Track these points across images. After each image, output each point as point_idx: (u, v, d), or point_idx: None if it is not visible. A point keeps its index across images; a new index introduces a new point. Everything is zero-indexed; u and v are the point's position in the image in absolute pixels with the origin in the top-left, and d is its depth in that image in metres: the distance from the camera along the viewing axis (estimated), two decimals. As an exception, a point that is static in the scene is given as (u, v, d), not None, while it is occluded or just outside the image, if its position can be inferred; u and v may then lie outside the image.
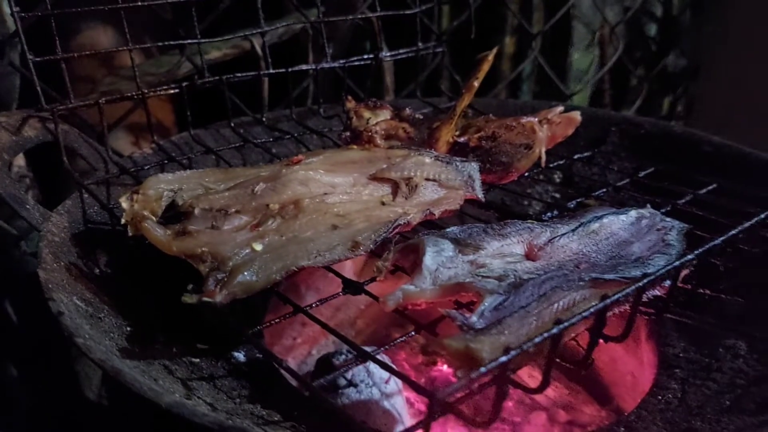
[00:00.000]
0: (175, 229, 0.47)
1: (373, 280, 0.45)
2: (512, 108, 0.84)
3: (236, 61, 0.92)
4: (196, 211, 0.49)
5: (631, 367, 0.63)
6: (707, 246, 0.42)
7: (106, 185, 0.58)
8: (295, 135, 0.70)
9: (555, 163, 0.68)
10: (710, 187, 0.61)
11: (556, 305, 0.38)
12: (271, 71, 0.72)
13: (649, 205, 0.54)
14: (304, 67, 0.74)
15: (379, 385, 0.65)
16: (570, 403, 0.72)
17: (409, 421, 0.62)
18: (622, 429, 0.46)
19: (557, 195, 0.73)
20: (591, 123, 0.79)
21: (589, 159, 0.72)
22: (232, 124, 0.71)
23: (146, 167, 0.61)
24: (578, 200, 0.59)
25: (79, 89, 1.00)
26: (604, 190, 0.61)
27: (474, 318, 0.37)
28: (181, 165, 0.62)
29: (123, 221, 0.47)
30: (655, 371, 0.53)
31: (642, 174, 0.64)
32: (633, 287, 0.36)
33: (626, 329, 0.38)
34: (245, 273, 0.42)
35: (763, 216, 0.47)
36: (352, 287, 0.45)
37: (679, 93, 1.40)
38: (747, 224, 0.45)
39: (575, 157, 0.69)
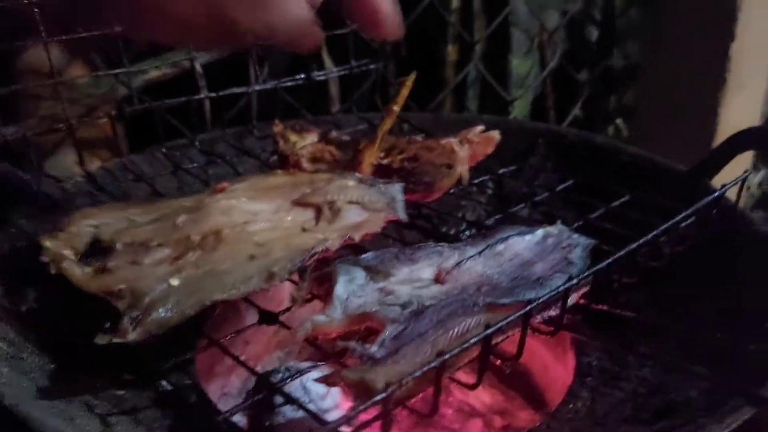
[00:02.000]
0: (96, 265, 0.48)
1: (288, 309, 0.47)
2: (446, 122, 0.86)
3: (176, 80, 0.94)
4: (118, 246, 0.50)
5: (560, 374, 0.66)
6: (601, 265, 0.44)
7: (36, 219, 0.59)
8: (227, 158, 0.72)
9: (479, 180, 0.71)
10: (623, 199, 0.64)
11: (451, 332, 0.40)
12: (203, 96, 0.73)
13: (559, 221, 0.56)
14: (236, 90, 0.75)
15: (317, 401, 0.67)
16: (506, 409, 0.74)
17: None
18: (532, 440, 0.48)
19: (484, 211, 0.75)
20: (520, 135, 0.82)
21: (515, 172, 0.74)
22: (164, 150, 0.72)
23: (75, 198, 0.62)
24: (496, 217, 0.61)
25: (27, 108, 1.00)
26: (523, 205, 0.64)
27: (374, 348, 0.39)
28: (112, 196, 0.63)
29: (45, 260, 0.48)
30: (572, 379, 0.56)
31: (560, 188, 0.67)
32: (517, 314, 0.38)
33: (518, 350, 0.40)
34: (160, 309, 0.44)
35: (659, 231, 0.50)
36: (267, 318, 0.47)
37: (621, 92, 1.44)
38: (642, 240, 0.47)
39: (500, 171, 0.72)
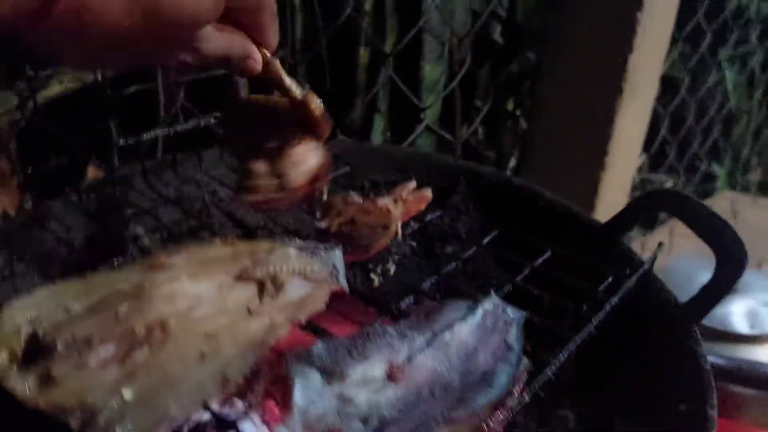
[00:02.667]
0: (38, 373, 0.46)
1: (245, 414, 0.48)
2: (364, 153, 0.87)
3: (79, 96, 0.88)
4: (59, 345, 0.48)
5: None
6: (542, 378, 0.48)
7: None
8: (146, 206, 0.69)
9: (410, 230, 0.73)
10: (545, 256, 0.68)
11: (414, 454, 0.42)
12: (116, 141, 0.70)
13: (492, 292, 0.59)
14: (153, 134, 0.72)
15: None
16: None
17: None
18: None
19: (411, 255, 0.78)
20: (441, 172, 0.84)
21: (440, 217, 0.77)
22: (81, 199, 0.68)
23: None
24: (432, 280, 0.64)
25: None
26: (453, 265, 0.67)
27: (341, 475, 0.41)
28: (30, 263, 0.59)
29: (-21, 368, 0.46)
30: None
31: (486, 240, 0.71)
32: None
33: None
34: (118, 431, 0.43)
35: (592, 326, 0.55)
36: (223, 426, 0.47)
37: (523, 90, 1.49)
38: (571, 345, 0.52)
39: (427, 219, 0.74)
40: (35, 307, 0.51)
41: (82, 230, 0.68)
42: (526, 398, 0.48)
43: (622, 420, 0.56)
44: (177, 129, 0.74)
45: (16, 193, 0.81)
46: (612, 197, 1.38)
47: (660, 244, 0.65)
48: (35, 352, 0.49)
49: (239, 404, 0.49)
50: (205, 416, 0.71)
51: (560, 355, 0.52)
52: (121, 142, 0.73)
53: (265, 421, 0.46)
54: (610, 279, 0.65)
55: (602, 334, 0.62)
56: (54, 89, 0.87)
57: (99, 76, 0.81)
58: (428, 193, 0.68)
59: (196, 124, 0.76)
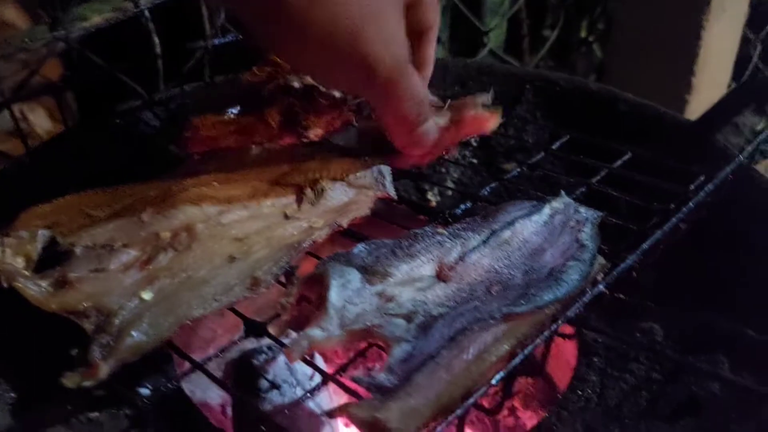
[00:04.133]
0: (54, 277, 0.42)
1: (277, 316, 0.42)
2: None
3: (120, 26, 0.84)
4: (78, 250, 0.44)
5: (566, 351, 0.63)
6: (621, 267, 0.41)
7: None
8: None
9: (472, 137, 0.66)
10: (625, 158, 0.59)
11: (466, 353, 0.36)
12: (158, 53, 0.66)
13: (563, 192, 0.52)
14: (195, 46, 0.67)
15: (303, 383, 0.63)
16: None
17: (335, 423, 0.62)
18: (543, 435, 0.45)
19: (471, 171, 0.70)
20: (506, 80, 0.76)
21: (503, 127, 0.69)
22: (117, 120, 0.64)
23: (21, 187, 0.55)
24: (491, 186, 0.56)
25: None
26: (518, 170, 0.59)
27: (382, 376, 0.35)
28: (59, 180, 0.56)
29: (-7, 273, 0.42)
30: (576, 357, 0.53)
31: (556, 145, 0.62)
32: (544, 335, 0.34)
33: (542, 365, 0.37)
34: (133, 333, 0.39)
35: (679, 216, 0.46)
36: (253, 329, 0.42)
37: (597, 14, 1.37)
38: (661, 232, 0.43)
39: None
40: (55, 214, 0.47)
41: (120, 151, 0.65)
42: (601, 287, 0.40)
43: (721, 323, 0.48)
44: (215, 43, 0.69)
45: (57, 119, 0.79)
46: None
47: (759, 132, 0.55)
48: (52, 258, 0.45)
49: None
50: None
51: (641, 248, 0.44)
52: (160, 63, 0.69)
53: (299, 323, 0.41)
54: (702, 178, 0.55)
55: (694, 236, 0.53)
56: (94, 19, 0.83)
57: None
58: (496, 116, 0.56)
59: (234, 39, 0.70)
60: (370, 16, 0.42)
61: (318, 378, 0.63)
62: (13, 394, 0.42)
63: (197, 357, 0.64)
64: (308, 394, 0.60)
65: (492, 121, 0.55)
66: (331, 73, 0.47)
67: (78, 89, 0.61)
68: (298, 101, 0.59)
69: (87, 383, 0.35)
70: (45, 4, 0.73)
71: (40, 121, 1.02)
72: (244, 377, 0.62)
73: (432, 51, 0.54)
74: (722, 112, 0.62)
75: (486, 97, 0.55)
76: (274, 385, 0.61)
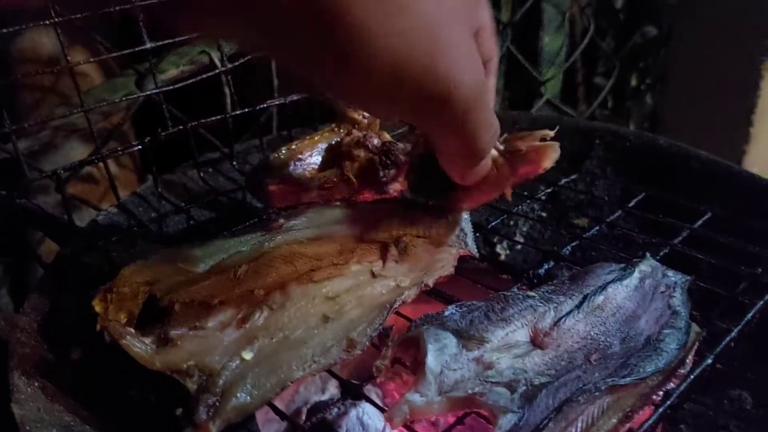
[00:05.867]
0: (156, 335, 0.44)
1: (371, 378, 0.43)
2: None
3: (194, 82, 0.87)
4: (177, 307, 0.46)
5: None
6: (727, 339, 0.40)
7: (72, 262, 0.54)
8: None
9: (542, 191, 0.66)
10: (705, 218, 0.59)
11: (574, 426, 0.36)
12: (236, 112, 0.68)
13: (648, 255, 0.52)
14: (273, 103, 0.69)
15: (377, 438, 0.63)
16: None
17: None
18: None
19: (541, 226, 0.71)
20: (574, 134, 0.76)
21: (574, 182, 0.70)
22: (201, 174, 0.66)
23: (114, 238, 0.56)
24: (572, 245, 0.57)
25: (25, 100, 0.93)
26: (597, 228, 0.59)
27: (491, 447, 0.35)
28: (150, 232, 0.57)
29: (98, 328, 0.44)
30: (661, 425, 0.52)
31: (632, 203, 0.62)
32: (658, 413, 0.34)
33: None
34: (238, 394, 0.39)
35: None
36: (350, 391, 0.43)
37: (649, 63, 1.37)
38: (761, 303, 0.43)
39: (561, 182, 0.67)
40: (153, 270, 0.48)
41: (198, 201, 0.66)
42: (709, 361, 0.40)
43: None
44: (291, 99, 0.71)
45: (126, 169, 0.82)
46: (759, 171, 1.24)
47: None
48: (153, 314, 0.46)
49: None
50: (324, 396, 0.67)
51: (743, 320, 0.44)
52: (232, 112, 0.71)
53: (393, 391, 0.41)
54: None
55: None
56: (170, 72, 0.86)
57: (216, 57, 0.81)
58: (553, 148, 0.51)
59: (309, 94, 0.72)
60: (449, 35, 0.37)
61: (390, 432, 0.63)
62: (115, 452, 0.42)
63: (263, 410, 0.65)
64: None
65: (550, 155, 0.50)
66: (399, 101, 0.39)
67: (165, 144, 0.63)
68: (377, 156, 0.60)
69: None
70: (131, 58, 0.76)
71: (122, 173, 1.05)
72: (316, 431, 0.62)
73: (493, 84, 0.49)
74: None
75: (547, 132, 0.52)
76: (348, 440, 0.61)
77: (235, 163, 0.69)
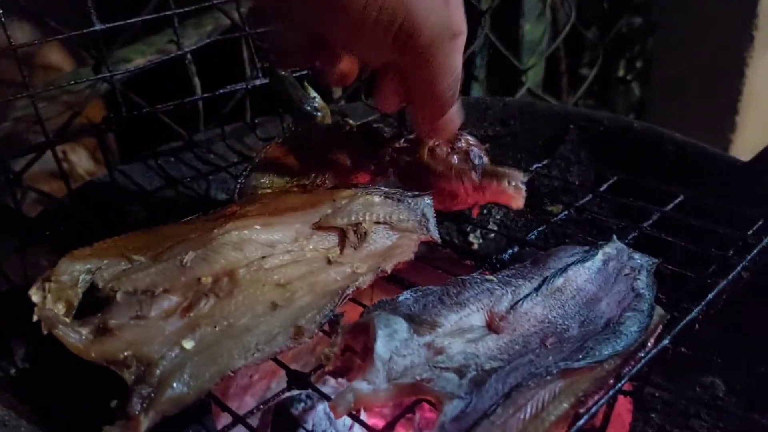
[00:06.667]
0: (94, 324, 0.42)
1: (320, 367, 0.41)
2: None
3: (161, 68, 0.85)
4: (119, 296, 0.43)
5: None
6: (686, 320, 0.38)
7: (20, 254, 0.52)
8: (228, 166, 0.64)
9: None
10: (676, 201, 0.57)
11: (523, 412, 0.34)
12: (201, 96, 0.66)
13: (615, 237, 0.50)
14: (235, 87, 0.67)
15: (343, 432, 0.62)
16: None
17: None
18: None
19: (515, 214, 0.69)
20: (548, 120, 0.75)
21: (547, 167, 0.68)
22: (158, 161, 0.64)
23: (63, 227, 0.54)
24: (539, 230, 0.55)
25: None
26: (565, 213, 0.57)
27: (434, 435, 0.33)
28: (101, 218, 0.55)
29: (35, 318, 0.42)
30: (631, 412, 0.50)
31: (604, 187, 0.60)
32: (609, 394, 0.32)
33: (604, 424, 0.34)
34: (174, 384, 0.37)
35: (743, 264, 0.44)
36: (296, 381, 0.41)
37: (635, 52, 1.36)
38: (726, 282, 0.41)
39: (533, 167, 0.65)
40: (96, 258, 0.46)
41: (160, 193, 0.64)
42: (666, 342, 0.38)
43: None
44: (255, 84, 0.69)
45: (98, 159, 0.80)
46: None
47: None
48: (93, 304, 0.44)
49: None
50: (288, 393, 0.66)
51: (706, 299, 0.42)
52: (200, 105, 0.69)
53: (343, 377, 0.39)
54: (761, 222, 0.53)
55: (757, 285, 0.51)
56: (137, 61, 0.85)
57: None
58: (518, 199, 0.54)
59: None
60: None
61: (358, 429, 0.61)
62: (50, 446, 0.40)
63: (234, 405, 0.63)
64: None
65: (515, 202, 0.54)
66: (372, 36, 0.46)
67: (119, 130, 0.60)
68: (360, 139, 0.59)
69: (127, 437, 0.34)
70: (88, 46, 0.74)
71: (82, 161, 1.03)
72: (282, 426, 0.60)
73: (460, 45, 0.52)
74: (778, 152, 0.60)
75: (521, 177, 0.54)
76: (312, 433, 0.60)
77: (195, 151, 0.67)
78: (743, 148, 1.22)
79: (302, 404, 0.61)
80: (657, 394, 0.50)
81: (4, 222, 0.54)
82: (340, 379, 0.59)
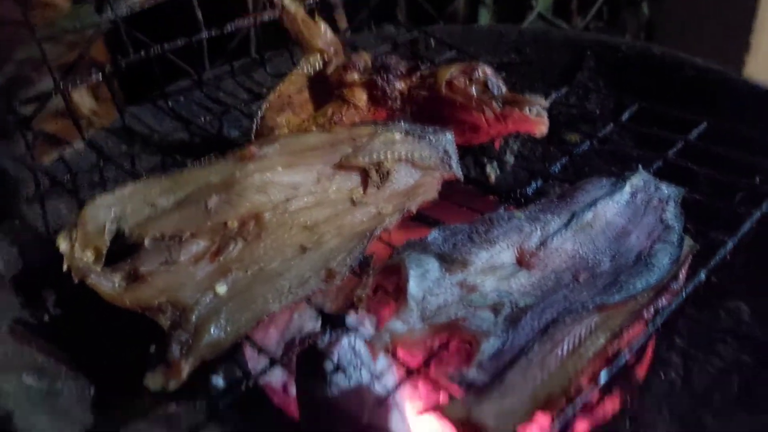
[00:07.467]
0: (125, 271, 0.42)
1: (353, 308, 0.41)
2: (473, 35, 0.76)
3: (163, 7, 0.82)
4: (147, 242, 0.43)
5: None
6: (721, 253, 0.38)
7: (39, 202, 0.52)
8: (240, 108, 0.63)
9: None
10: (700, 128, 0.56)
11: (560, 348, 0.34)
12: (206, 35, 0.64)
13: (641, 168, 0.49)
14: (241, 24, 0.65)
15: (368, 364, 0.62)
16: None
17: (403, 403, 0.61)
18: (628, 424, 0.44)
19: (532, 144, 0.68)
20: (565, 47, 0.73)
21: (565, 96, 0.66)
22: (169, 102, 0.63)
23: (81, 173, 0.54)
24: (561, 163, 0.54)
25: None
26: (588, 144, 0.56)
27: (473, 372, 0.33)
28: (120, 168, 0.55)
29: (65, 267, 0.42)
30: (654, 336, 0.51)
31: (626, 117, 0.59)
32: (648, 334, 0.32)
33: (639, 357, 0.35)
34: (212, 330, 0.38)
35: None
36: (331, 322, 0.41)
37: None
38: (758, 214, 0.41)
39: (552, 97, 0.63)
40: (120, 204, 0.46)
41: (173, 135, 0.63)
42: (702, 276, 0.38)
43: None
44: (264, 19, 0.66)
45: (107, 101, 0.78)
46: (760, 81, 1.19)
47: None
48: (121, 250, 0.44)
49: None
50: (316, 324, 0.66)
51: (738, 231, 0.41)
52: (205, 41, 0.67)
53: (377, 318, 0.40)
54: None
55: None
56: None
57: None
58: (542, 125, 0.53)
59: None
60: None
61: (384, 359, 0.62)
62: (92, 391, 0.41)
63: (259, 338, 0.64)
64: (377, 381, 0.59)
65: (539, 129, 0.53)
66: None
67: (123, 70, 0.59)
68: (377, 74, 0.57)
69: (171, 385, 0.35)
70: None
71: (84, 99, 1.02)
72: (308, 360, 0.61)
73: None
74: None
75: (543, 102, 0.53)
76: (339, 368, 0.61)
77: (204, 90, 0.66)
78: (758, 69, 1.19)
79: (327, 337, 0.62)
80: (681, 321, 0.50)
81: (17, 170, 0.54)
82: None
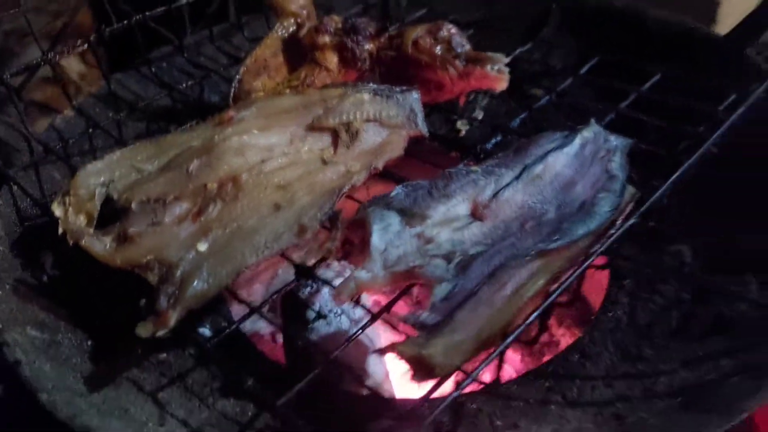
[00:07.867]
0: (115, 233, 0.46)
1: (323, 260, 0.45)
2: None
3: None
4: (134, 205, 0.47)
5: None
6: (652, 199, 0.42)
7: (34, 169, 0.55)
8: (219, 73, 0.66)
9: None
10: (654, 80, 0.59)
11: (505, 289, 0.38)
12: (186, 1, 0.66)
13: (593, 121, 0.53)
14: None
15: (348, 311, 0.67)
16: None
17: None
18: (577, 356, 0.48)
19: (499, 100, 0.71)
20: (532, 2, 0.75)
21: (530, 51, 0.69)
22: (153, 69, 0.66)
23: (72, 141, 0.57)
24: (521, 117, 0.57)
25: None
26: (547, 98, 0.60)
27: (425, 314, 0.38)
28: (109, 134, 0.58)
29: (60, 231, 0.46)
30: (607, 281, 0.55)
31: (584, 69, 0.62)
32: (579, 270, 0.36)
33: (575, 296, 0.39)
34: (195, 283, 0.42)
35: (711, 141, 0.47)
36: (303, 273, 0.45)
37: None
38: (693, 159, 0.45)
39: (516, 52, 0.66)
40: (108, 170, 0.50)
41: (157, 101, 0.66)
42: (633, 220, 0.42)
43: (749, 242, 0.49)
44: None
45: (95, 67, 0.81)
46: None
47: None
48: (111, 213, 0.48)
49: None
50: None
51: (672, 177, 0.45)
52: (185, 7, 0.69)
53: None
54: (733, 96, 0.55)
55: (725, 157, 0.54)
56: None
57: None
58: (502, 82, 0.56)
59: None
60: None
61: (362, 308, 0.67)
62: (89, 343, 0.46)
63: (245, 293, 0.68)
64: (355, 326, 0.64)
65: (499, 85, 0.56)
66: None
67: (107, 39, 0.61)
68: (346, 37, 0.60)
69: (160, 332, 0.39)
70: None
71: (72, 65, 1.04)
72: (291, 309, 0.66)
73: None
74: (754, 25, 0.61)
75: (504, 59, 0.56)
76: (321, 315, 0.65)
77: (186, 55, 0.68)
78: (729, 21, 1.20)
79: (309, 288, 0.67)
80: (628, 265, 0.55)
81: (13, 138, 0.57)
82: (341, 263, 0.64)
